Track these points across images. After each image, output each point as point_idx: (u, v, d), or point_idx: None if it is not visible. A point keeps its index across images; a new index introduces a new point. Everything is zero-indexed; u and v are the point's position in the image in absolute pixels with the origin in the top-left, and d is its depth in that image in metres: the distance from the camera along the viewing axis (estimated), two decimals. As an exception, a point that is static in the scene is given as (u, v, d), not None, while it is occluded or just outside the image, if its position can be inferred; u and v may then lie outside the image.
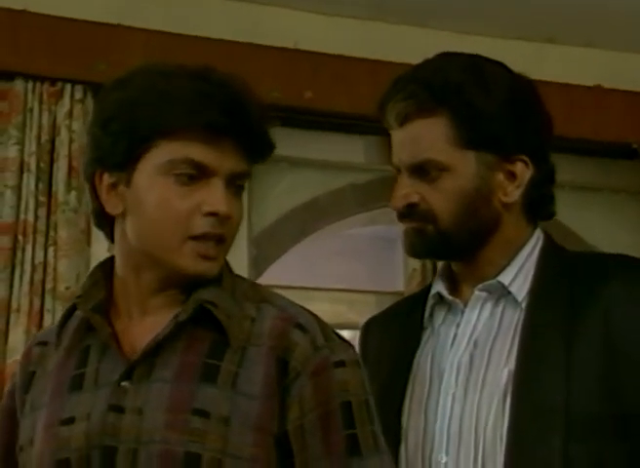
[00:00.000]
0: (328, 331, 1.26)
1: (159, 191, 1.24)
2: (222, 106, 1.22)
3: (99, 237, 2.79)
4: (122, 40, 2.95)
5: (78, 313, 1.31)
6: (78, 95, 2.87)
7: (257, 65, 2.94)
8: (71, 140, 2.83)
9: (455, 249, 1.42)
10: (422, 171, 1.39)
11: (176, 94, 1.23)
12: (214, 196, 1.24)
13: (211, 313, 1.24)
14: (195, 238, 1.24)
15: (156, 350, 1.23)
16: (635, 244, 3.56)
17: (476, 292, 1.43)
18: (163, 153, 1.23)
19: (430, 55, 1.46)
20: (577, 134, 3.40)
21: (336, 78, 3.19)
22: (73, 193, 2.80)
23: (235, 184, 1.26)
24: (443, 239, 1.40)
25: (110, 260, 1.33)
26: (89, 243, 2.84)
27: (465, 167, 1.39)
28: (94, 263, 2.77)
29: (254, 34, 3.08)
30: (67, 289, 2.71)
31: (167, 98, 1.23)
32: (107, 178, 1.26)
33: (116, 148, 1.24)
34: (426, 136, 1.40)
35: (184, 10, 3.06)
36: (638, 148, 3.40)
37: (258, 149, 1.27)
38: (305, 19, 3.20)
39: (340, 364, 1.23)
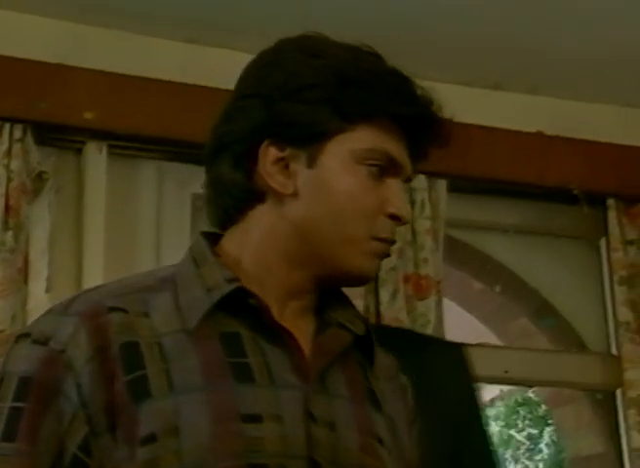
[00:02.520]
0: None
1: (352, 180, 1.11)
2: (425, 101, 1.14)
3: (37, 276, 2.79)
4: (64, 79, 2.91)
5: (191, 295, 1.11)
6: (17, 133, 2.80)
7: (202, 106, 2.92)
8: (9, 180, 2.76)
9: None
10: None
11: (385, 77, 1.13)
12: (398, 197, 1.14)
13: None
14: (378, 240, 1.13)
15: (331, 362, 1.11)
16: (577, 286, 3.59)
17: None
18: (362, 139, 1.12)
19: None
20: (521, 178, 3.44)
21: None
22: (10, 233, 2.74)
23: None
24: None
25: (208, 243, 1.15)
26: (26, 282, 2.78)
27: None
28: (31, 304, 2.77)
29: (200, 75, 3.05)
30: (2, 331, 2.64)
31: (379, 80, 1.12)
32: (275, 152, 1.12)
33: (309, 120, 1.11)
34: None
35: (130, 50, 3.03)
36: (579, 194, 3.44)
37: (424, 154, 1.17)
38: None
39: None
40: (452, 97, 3.60)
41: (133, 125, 2.93)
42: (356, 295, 2.94)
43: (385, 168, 1.13)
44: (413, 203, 3.28)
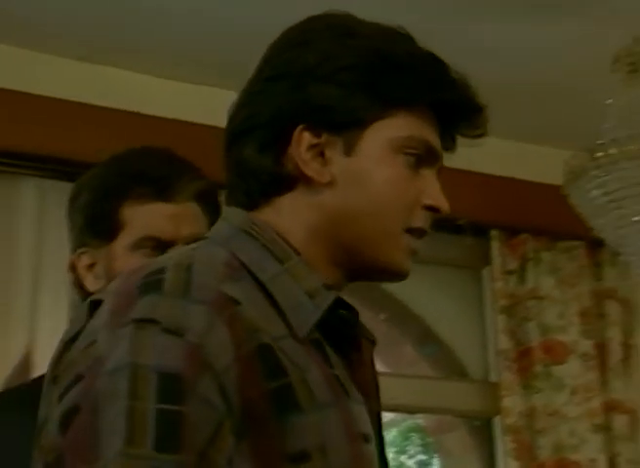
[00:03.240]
0: None
1: (392, 169, 1.06)
2: (463, 86, 1.08)
3: None
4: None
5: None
6: None
7: (85, 124, 2.87)
8: None
9: None
10: None
11: (425, 60, 1.07)
12: (435, 188, 1.09)
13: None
14: (411, 231, 1.08)
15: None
16: (459, 314, 3.64)
17: None
18: (401, 126, 1.06)
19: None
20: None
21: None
22: None
23: None
24: None
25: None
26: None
27: None
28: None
29: (86, 93, 2.99)
30: None
31: (419, 64, 1.06)
32: (309, 138, 1.05)
33: (347, 105, 1.04)
34: None
35: (8, 65, 2.95)
36: (464, 224, 3.49)
37: (454, 144, 1.13)
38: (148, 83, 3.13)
39: None
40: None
41: (12, 142, 2.85)
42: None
43: (422, 157, 1.09)
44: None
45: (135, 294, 0.92)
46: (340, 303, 1.03)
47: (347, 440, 0.96)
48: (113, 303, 0.93)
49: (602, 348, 3.59)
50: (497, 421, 3.46)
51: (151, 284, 0.92)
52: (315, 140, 1.05)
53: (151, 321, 0.89)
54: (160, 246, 1.52)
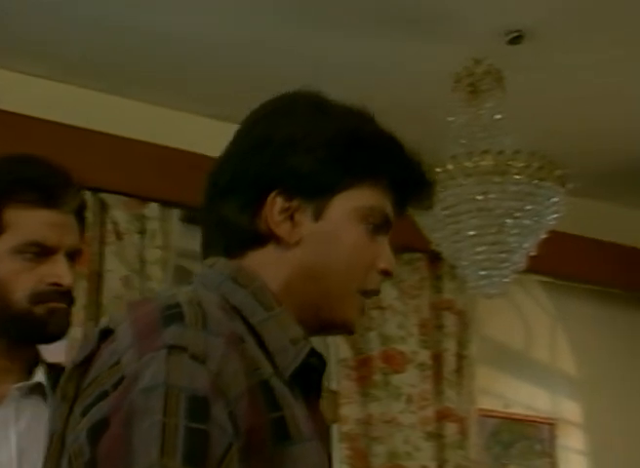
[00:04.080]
0: None
1: (355, 235, 1.17)
2: (419, 166, 1.21)
3: None
4: None
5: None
6: None
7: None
8: None
9: None
10: None
11: (389, 141, 1.20)
12: (389, 254, 1.20)
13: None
14: (365, 292, 1.19)
15: None
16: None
17: None
18: (364, 197, 1.18)
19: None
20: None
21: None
22: None
23: None
24: None
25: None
26: None
27: None
28: None
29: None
30: None
31: (385, 144, 1.19)
32: (282, 202, 1.16)
33: (319, 176, 1.16)
34: None
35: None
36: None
37: (404, 213, 1.26)
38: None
39: None
40: (195, 128, 3.61)
41: None
42: (77, 323, 2.88)
43: (379, 226, 1.19)
44: (143, 231, 3.27)
45: (159, 324, 1.02)
46: (312, 352, 1.14)
47: None
48: (136, 331, 1.03)
49: (438, 358, 3.69)
50: (333, 429, 3.51)
51: (173, 315, 1.03)
52: (287, 205, 1.16)
53: (180, 347, 0.99)
54: (43, 252, 1.52)
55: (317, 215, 1.17)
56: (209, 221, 1.20)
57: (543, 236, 3.12)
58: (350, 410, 3.47)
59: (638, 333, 4.31)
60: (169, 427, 0.94)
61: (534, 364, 4.06)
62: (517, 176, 3.04)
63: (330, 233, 1.17)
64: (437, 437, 3.59)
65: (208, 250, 1.20)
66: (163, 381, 0.96)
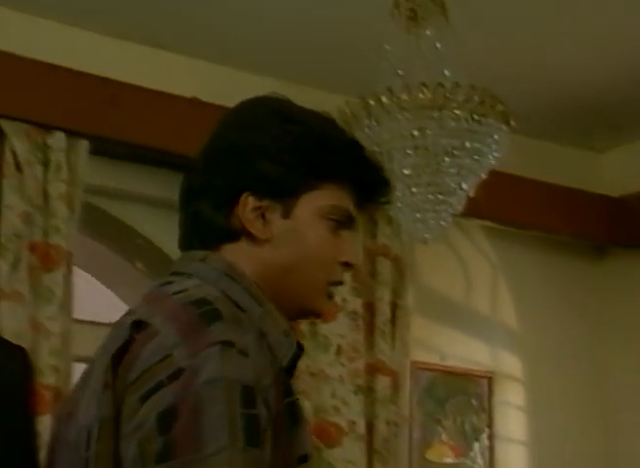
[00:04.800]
0: None
1: (320, 232, 1.30)
2: (377, 167, 1.35)
3: None
4: None
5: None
6: None
7: None
8: None
9: None
10: None
11: (350, 145, 1.33)
12: (350, 247, 1.34)
13: None
14: (332, 283, 1.33)
15: None
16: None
17: None
18: (327, 196, 1.31)
19: None
20: (173, 147, 3.20)
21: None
22: None
23: None
24: None
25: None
26: None
27: None
28: None
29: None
30: None
31: (346, 148, 1.32)
32: (253, 202, 1.29)
33: (286, 179, 1.29)
34: None
35: None
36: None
37: (364, 209, 1.38)
38: None
39: None
40: (102, 50, 3.31)
41: None
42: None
43: (342, 222, 1.32)
44: (47, 163, 2.98)
45: (201, 321, 1.15)
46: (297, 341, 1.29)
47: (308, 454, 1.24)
48: (179, 327, 1.14)
49: (371, 307, 3.46)
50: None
51: (212, 313, 1.16)
52: (258, 204, 1.29)
53: (229, 343, 1.12)
54: None
55: (286, 214, 1.29)
56: (185, 217, 1.33)
57: (484, 177, 2.89)
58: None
59: (585, 285, 4.10)
60: (231, 415, 1.08)
61: (473, 315, 3.84)
62: (456, 112, 2.81)
63: (297, 230, 1.30)
64: (367, 391, 3.38)
65: (185, 242, 1.33)
66: (221, 375, 1.09)
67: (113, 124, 3.09)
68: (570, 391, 3.94)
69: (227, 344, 1.11)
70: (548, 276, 4.01)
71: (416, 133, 2.86)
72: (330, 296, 1.33)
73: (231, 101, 3.39)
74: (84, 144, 3.04)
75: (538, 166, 3.83)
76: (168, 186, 3.33)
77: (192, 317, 1.15)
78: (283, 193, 1.28)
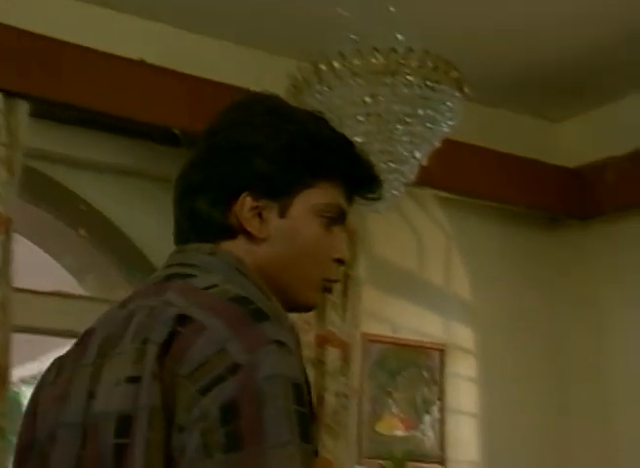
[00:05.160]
0: None
1: (314, 229, 1.34)
2: (369, 164, 1.38)
3: None
4: None
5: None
6: None
7: None
8: None
9: None
10: None
11: (343, 143, 1.36)
12: (342, 243, 1.37)
13: None
14: (326, 281, 1.37)
15: None
16: (171, 237, 3.32)
17: None
18: (321, 194, 1.34)
19: None
20: (119, 111, 3.09)
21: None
22: None
23: None
24: None
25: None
26: None
27: None
28: None
29: None
30: None
31: (339, 146, 1.35)
32: (251, 202, 1.31)
33: (282, 178, 1.32)
34: None
35: None
36: (180, 135, 3.16)
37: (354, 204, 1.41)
38: None
39: None
40: (44, 7, 3.17)
41: None
42: None
43: (335, 218, 1.36)
44: (-16, 126, 2.86)
45: (249, 318, 1.18)
46: None
47: None
48: (227, 323, 1.17)
49: (321, 278, 3.38)
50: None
51: (258, 311, 1.20)
52: (255, 204, 1.31)
53: (281, 342, 1.16)
54: None
55: (282, 213, 1.33)
56: (181, 213, 1.35)
57: (437, 145, 2.83)
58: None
59: (540, 256, 4.06)
60: (289, 411, 1.13)
61: (426, 286, 3.78)
62: (409, 78, 2.73)
63: (292, 228, 1.33)
64: (317, 363, 3.32)
65: (181, 237, 1.35)
66: (280, 372, 1.14)
67: (55, 85, 2.98)
68: (523, 363, 3.90)
69: (280, 343, 1.16)
70: (503, 247, 3.96)
71: (368, 99, 2.79)
72: (326, 290, 1.38)
73: (179, 64, 3.31)
74: (24, 106, 2.92)
75: (493, 135, 3.76)
76: (113, 151, 3.24)
77: (239, 313, 1.19)
78: (279, 192, 1.32)
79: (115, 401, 1.17)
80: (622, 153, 3.81)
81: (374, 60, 2.75)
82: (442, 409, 3.72)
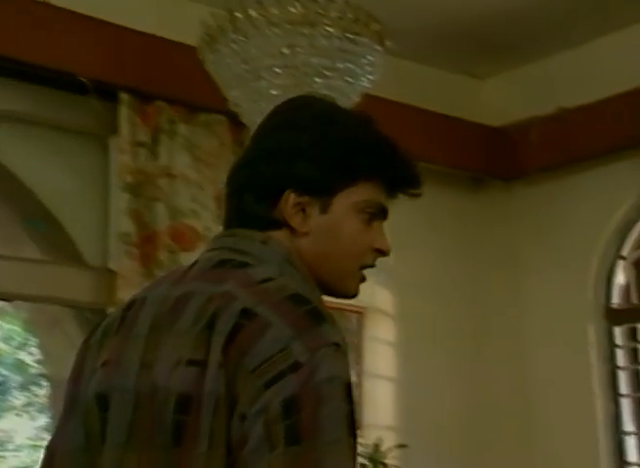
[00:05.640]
0: None
1: (353, 225, 1.43)
2: (410, 164, 1.47)
3: None
4: None
5: None
6: None
7: None
8: None
9: None
10: None
11: (385, 145, 1.44)
12: (383, 236, 1.47)
13: None
14: (364, 267, 1.46)
15: None
16: (79, 189, 3.18)
17: None
18: (361, 193, 1.43)
19: None
20: (21, 55, 2.89)
21: None
22: None
23: None
24: None
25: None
26: None
27: None
28: None
29: None
30: None
31: (380, 148, 1.44)
32: (294, 198, 1.41)
33: (324, 179, 1.42)
34: None
35: None
36: (88, 83, 2.97)
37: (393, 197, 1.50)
38: None
39: None
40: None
41: None
42: None
43: (375, 214, 1.45)
44: None
45: (311, 320, 1.29)
46: None
47: None
48: (290, 323, 1.28)
49: (236, 237, 3.25)
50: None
51: (316, 312, 1.30)
52: (298, 200, 1.42)
53: (338, 345, 1.28)
54: None
55: (324, 209, 1.43)
56: (230, 207, 1.45)
57: (357, 100, 2.70)
58: (128, 294, 2.98)
59: (462, 217, 3.97)
60: (341, 409, 1.24)
61: (345, 246, 3.67)
62: (329, 29, 2.60)
63: (334, 224, 1.43)
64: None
65: (232, 223, 1.45)
66: (337, 373, 1.25)
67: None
68: (444, 326, 3.83)
69: (337, 346, 1.27)
70: (424, 207, 3.82)
71: (285, 50, 2.65)
72: (363, 280, 1.47)
73: (86, 8, 3.10)
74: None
75: (414, 91, 3.64)
76: (14, 98, 3.03)
77: (300, 314, 1.28)
78: (320, 192, 1.42)
79: (176, 380, 1.26)
80: (548, 113, 3.73)
81: (292, 10, 2.61)
82: (360, 374, 3.63)
